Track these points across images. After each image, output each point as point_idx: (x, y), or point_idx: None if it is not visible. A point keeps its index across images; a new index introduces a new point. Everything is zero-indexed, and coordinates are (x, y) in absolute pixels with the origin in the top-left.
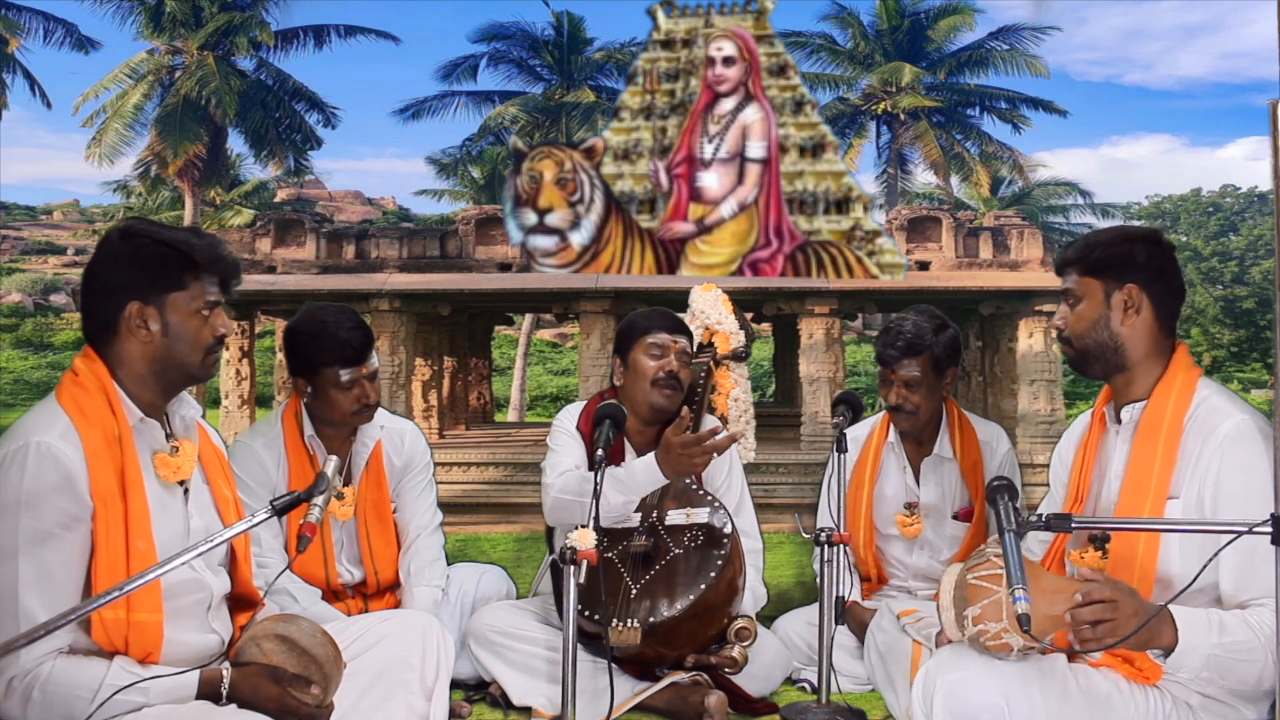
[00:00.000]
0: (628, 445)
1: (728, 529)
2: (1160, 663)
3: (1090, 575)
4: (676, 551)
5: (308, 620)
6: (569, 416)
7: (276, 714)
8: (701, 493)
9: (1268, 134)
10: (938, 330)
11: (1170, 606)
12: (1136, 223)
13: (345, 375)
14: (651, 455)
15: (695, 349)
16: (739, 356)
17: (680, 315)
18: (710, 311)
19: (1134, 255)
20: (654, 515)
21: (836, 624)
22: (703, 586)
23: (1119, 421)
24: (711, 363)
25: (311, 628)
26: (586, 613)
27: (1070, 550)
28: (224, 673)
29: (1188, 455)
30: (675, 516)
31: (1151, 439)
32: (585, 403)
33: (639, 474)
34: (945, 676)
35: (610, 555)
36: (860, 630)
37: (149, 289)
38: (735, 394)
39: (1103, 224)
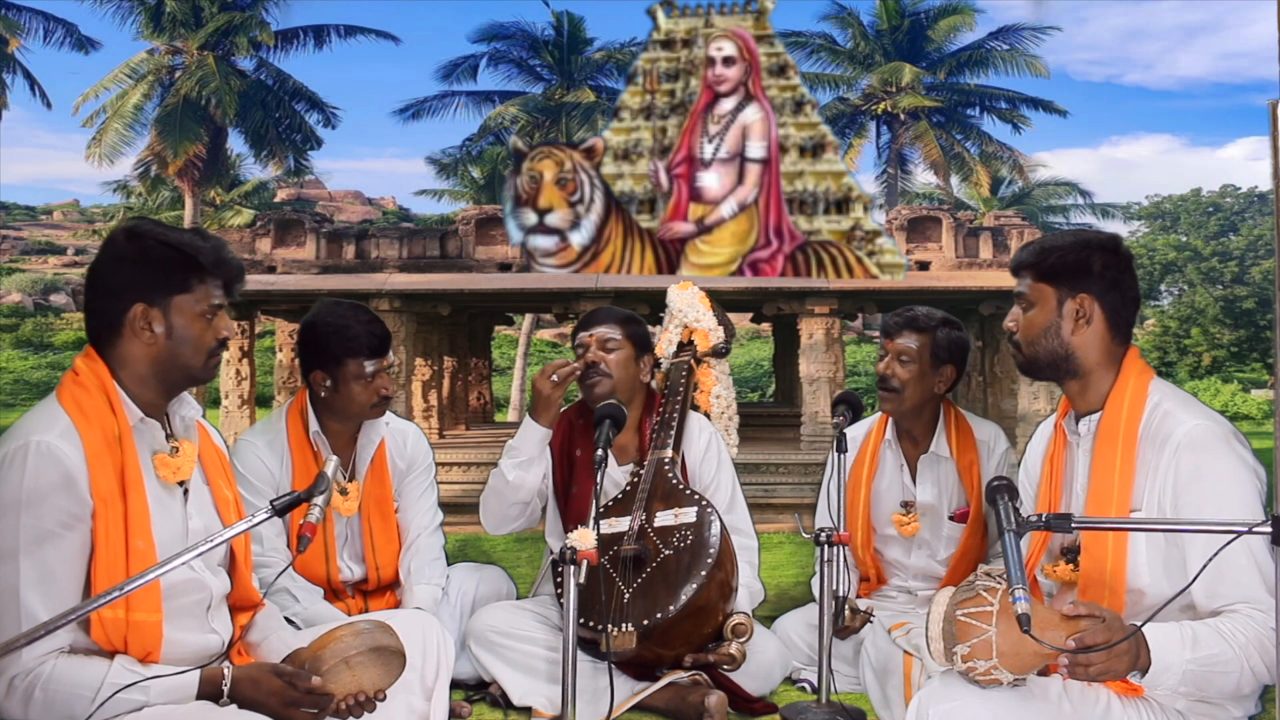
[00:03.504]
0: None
1: (716, 528)
2: (1136, 682)
3: (1079, 611)
4: (667, 553)
5: (363, 621)
6: None
7: (279, 708)
8: (689, 492)
9: (1268, 134)
10: (946, 322)
11: (1139, 623)
12: (1137, 222)
13: (370, 367)
14: (528, 414)
15: (675, 348)
16: (719, 353)
17: (619, 308)
18: (688, 310)
19: (1090, 264)
20: (643, 518)
21: (836, 628)
22: (694, 587)
23: (1078, 433)
24: (692, 361)
25: (375, 625)
26: (582, 620)
27: (1043, 563)
28: (225, 672)
29: (1145, 466)
30: (664, 518)
31: (1109, 451)
32: (564, 409)
33: (522, 433)
34: (938, 706)
35: (602, 560)
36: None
37: (154, 291)
38: (717, 391)
39: (1103, 224)
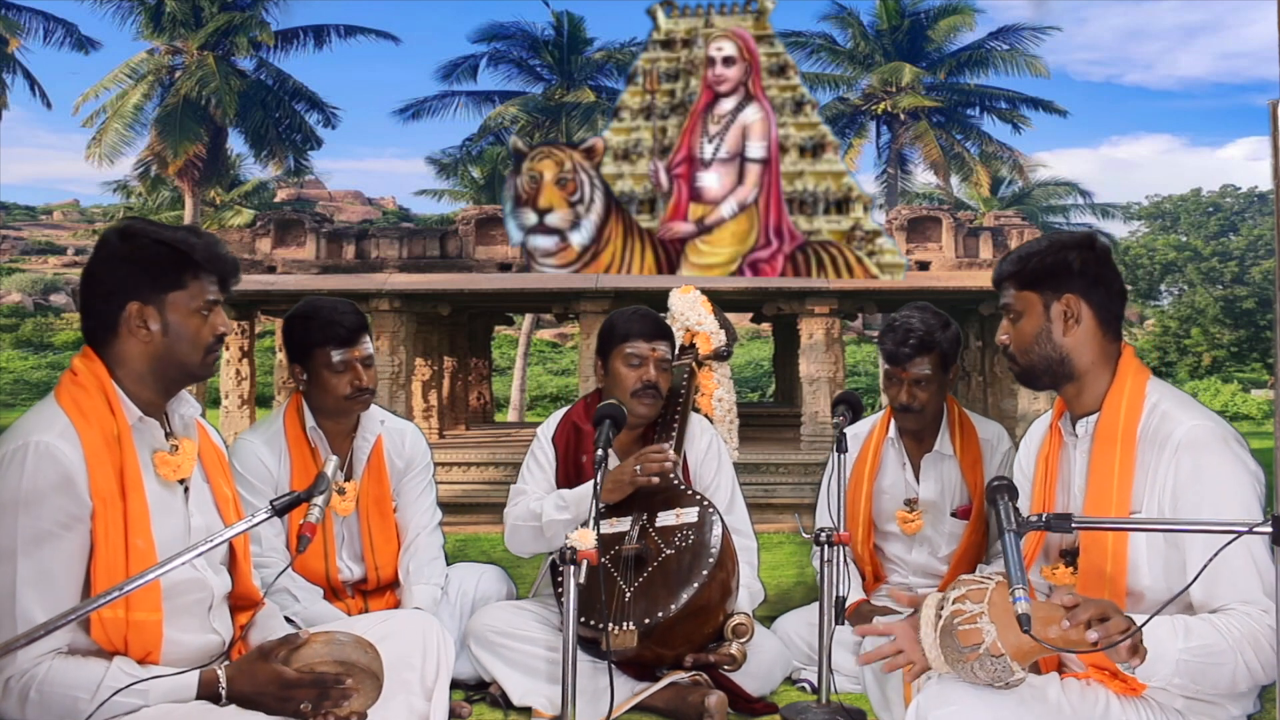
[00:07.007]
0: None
1: (718, 528)
2: (1130, 673)
3: (1070, 600)
4: (668, 553)
5: (342, 633)
6: (547, 427)
7: (277, 692)
8: (690, 493)
9: (1268, 134)
10: (944, 327)
11: (1135, 617)
12: (1137, 222)
13: (337, 356)
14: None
15: (677, 351)
16: (721, 356)
17: (662, 315)
18: (689, 313)
19: (1069, 264)
20: (644, 517)
21: (836, 624)
22: (696, 586)
23: (1075, 434)
24: (694, 364)
25: (352, 639)
26: (583, 619)
27: (1041, 565)
28: (219, 674)
29: (1144, 468)
30: (665, 518)
31: (1108, 453)
32: (566, 410)
33: (584, 494)
34: (937, 711)
35: (604, 559)
36: None
37: (148, 289)
38: (719, 394)
39: (1102, 224)
